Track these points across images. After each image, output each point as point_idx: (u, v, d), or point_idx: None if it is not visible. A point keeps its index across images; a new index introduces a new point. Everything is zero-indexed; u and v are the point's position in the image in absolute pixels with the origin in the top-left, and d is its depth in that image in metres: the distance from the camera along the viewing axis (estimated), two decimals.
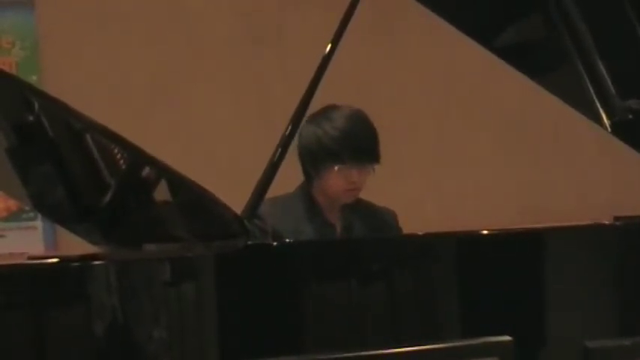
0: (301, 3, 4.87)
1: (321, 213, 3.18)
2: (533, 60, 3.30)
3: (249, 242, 2.52)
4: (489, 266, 2.62)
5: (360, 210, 3.22)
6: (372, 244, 2.69)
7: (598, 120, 3.15)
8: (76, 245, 2.83)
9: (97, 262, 2.36)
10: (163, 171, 2.45)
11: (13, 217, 4.63)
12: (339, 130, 3.11)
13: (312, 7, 4.71)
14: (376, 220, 3.23)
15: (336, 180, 3.13)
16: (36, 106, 2.45)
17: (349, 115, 3.14)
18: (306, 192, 3.20)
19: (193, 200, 2.50)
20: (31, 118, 2.47)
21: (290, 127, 2.84)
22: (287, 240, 3.00)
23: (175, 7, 4.80)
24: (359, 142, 3.11)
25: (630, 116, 3.11)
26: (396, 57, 5.00)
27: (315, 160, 3.14)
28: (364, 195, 3.25)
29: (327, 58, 2.92)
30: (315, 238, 3.11)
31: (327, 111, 3.16)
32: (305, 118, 3.06)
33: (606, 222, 2.81)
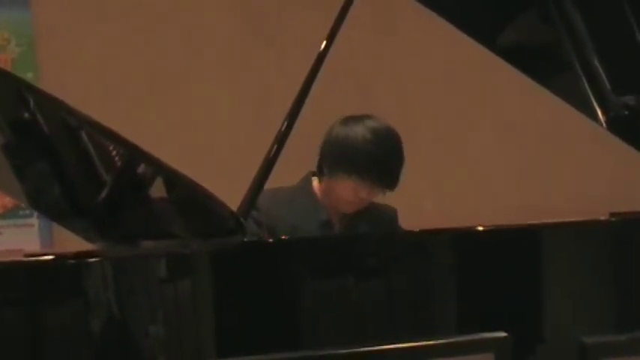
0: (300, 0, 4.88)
1: (322, 210, 3.17)
2: (529, 57, 3.30)
3: (245, 239, 2.52)
4: (485, 262, 2.62)
5: (362, 209, 3.20)
6: (368, 241, 2.69)
7: (594, 116, 3.16)
8: (72, 242, 2.83)
9: (92, 259, 2.35)
10: (159, 168, 2.44)
11: (9, 214, 4.63)
12: (373, 144, 3.06)
13: (311, 4, 4.71)
14: (377, 219, 3.22)
15: (346, 190, 3.09)
16: (31, 103, 2.44)
17: (385, 134, 3.09)
18: (309, 186, 3.19)
19: (189, 197, 2.50)
20: (26, 115, 2.47)
21: (286, 124, 2.84)
22: (283, 237, 3.00)
23: (173, 3, 4.80)
24: (385, 166, 3.07)
25: (626, 112, 3.11)
26: (396, 55, 5.01)
27: (335, 161, 3.10)
28: None
29: (322, 55, 2.92)
30: (311, 234, 3.10)
31: (366, 119, 3.11)
32: (343, 118, 3.05)
33: (602, 218, 2.81)
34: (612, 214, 2.82)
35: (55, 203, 2.77)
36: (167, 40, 4.75)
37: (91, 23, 4.68)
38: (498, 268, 2.62)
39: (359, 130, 3.08)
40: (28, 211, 4.57)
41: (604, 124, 3.14)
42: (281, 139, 2.80)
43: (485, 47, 3.22)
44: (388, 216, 3.25)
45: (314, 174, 3.23)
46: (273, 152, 2.77)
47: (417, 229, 2.67)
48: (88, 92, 4.38)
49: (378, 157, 3.06)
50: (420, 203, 4.77)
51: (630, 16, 3.07)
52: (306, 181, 3.20)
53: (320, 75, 2.90)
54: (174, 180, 2.45)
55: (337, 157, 3.10)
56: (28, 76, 4.50)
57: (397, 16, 4.98)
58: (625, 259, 2.74)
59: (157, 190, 2.50)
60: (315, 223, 3.14)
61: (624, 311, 2.71)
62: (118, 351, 2.37)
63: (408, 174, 4.78)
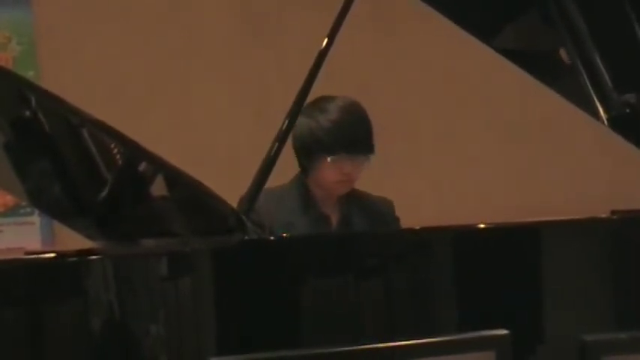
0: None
1: (316, 204, 3.18)
2: (531, 55, 3.30)
3: (246, 237, 2.52)
4: (486, 260, 2.62)
5: (357, 201, 3.22)
6: (369, 239, 2.70)
7: (595, 114, 3.16)
8: (73, 240, 2.83)
9: (93, 257, 2.36)
10: (160, 166, 2.45)
11: (10, 212, 4.63)
12: (332, 121, 3.11)
13: (311, 4, 4.71)
14: (373, 211, 3.23)
15: (329, 171, 3.13)
16: (33, 101, 2.45)
17: (342, 106, 3.14)
18: (301, 183, 3.20)
19: (190, 195, 2.50)
20: (27, 113, 2.47)
21: (286, 122, 2.85)
22: (284, 235, 3.00)
23: (173, 3, 4.80)
24: (352, 134, 3.11)
25: (628, 110, 3.11)
26: (396, 55, 5.00)
27: (308, 151, 3.14)
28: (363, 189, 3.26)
29: (322, 54, 2.92)
30: (310, 231, 3.11)
31: (320, 102, 3.15)
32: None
33: (603, 216, 2.81)
34: (613, 212, 2.82)
35: (56, 201, 2.77)
36: (167, 40, 4.75)
37: (91, 23, 4.68)
38: (499, 265, 2.63)
39: (316, 115, 3.13)
40: (29, 209, 4.57)
41: (606, 123, 3.14)
42: (281, 139, 2.81)
43: (485, 44, 3.22)
44: (384, 208, 3.27)
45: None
46: (273, 152, 2.78)
47: (418, 227, 2.67)
48: (88, 91, 4.37)
49: (341, 127, 3.10)
50: (419, 202, 4.78)
51: (631, 14, 3.07)
52: (298, 179, 3.22)
53: (320, 75, 2.90)
54: (175, 178, 2.46)
55: (307, 146, 3.14)
56: (29, 75, 4.50)
57: (397, 16, 4.98)
58: (626, 257, 2.74)
59: (159, 188, 2.50)
60: (309, 218, 3.15)
61: (625, 309, 2.71)
62: (118, 349, 2.37)
63: (408, 174, 4.79)
